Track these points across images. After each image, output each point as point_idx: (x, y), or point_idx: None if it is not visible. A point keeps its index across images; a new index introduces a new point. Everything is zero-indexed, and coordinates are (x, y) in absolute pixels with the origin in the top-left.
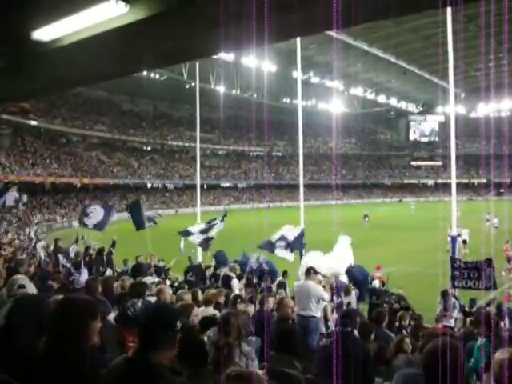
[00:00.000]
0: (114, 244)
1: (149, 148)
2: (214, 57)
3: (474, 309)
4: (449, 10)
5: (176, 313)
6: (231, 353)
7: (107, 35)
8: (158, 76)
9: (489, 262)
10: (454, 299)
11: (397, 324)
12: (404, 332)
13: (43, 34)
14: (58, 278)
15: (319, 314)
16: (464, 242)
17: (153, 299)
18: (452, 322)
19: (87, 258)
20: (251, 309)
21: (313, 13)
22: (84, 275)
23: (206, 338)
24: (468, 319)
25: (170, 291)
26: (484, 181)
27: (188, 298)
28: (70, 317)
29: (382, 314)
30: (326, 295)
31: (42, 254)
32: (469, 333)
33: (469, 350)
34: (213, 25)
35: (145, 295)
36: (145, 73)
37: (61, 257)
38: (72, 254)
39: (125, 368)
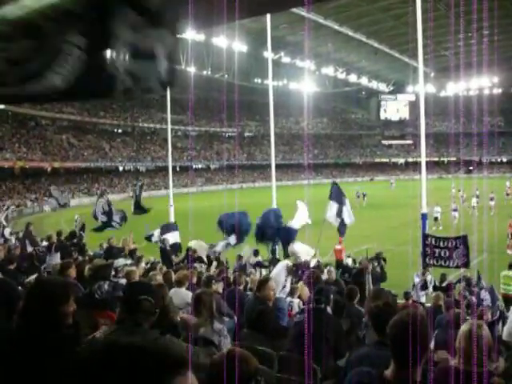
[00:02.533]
0: (83, 227)
1: (120, 130)
2: (184, 37)
3: (445, 284)
4: None
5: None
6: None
7: None
8: None
9: (464, 238)
10: (430, 275)
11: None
12: None
13: None
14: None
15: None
16: (436, 219)
17: (123, 281)
18: (423, 299)
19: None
20: (220, 287)
21: None
22: (56, 259)
23: (179, 319)
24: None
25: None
26: (454, 159)
27: (160, 278)
28: (44, 299)
29: (354, 291)
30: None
31: (12, 239)
32: (438, 307)
33: (438, 323)
34: (180, 1)
35: (110, 277)
36: None
37: (28, 243)
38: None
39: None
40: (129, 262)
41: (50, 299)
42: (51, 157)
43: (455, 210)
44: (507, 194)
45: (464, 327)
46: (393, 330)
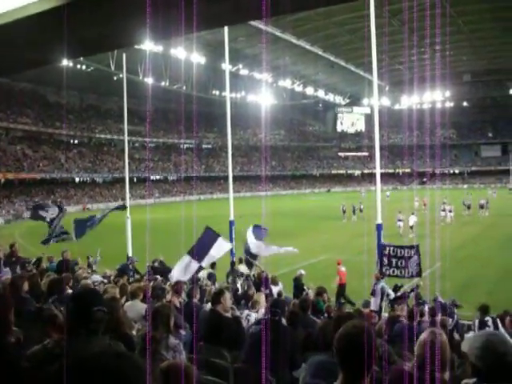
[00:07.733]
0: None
1: (76, 141)
2: (142, 48)
3: (399, 294)
4: (372, 2)
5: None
6: (157, 346)
7: (24, 22)
8: (84, 67)
9: (416, 247)
10: (381, 283)
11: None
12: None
13: None
14: None
15: None
16: (411, 227)
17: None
18: (382, 307)
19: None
20: (176, 300)
21: (242, 1)
22: (6, 274)
23: (134, 332)
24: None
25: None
26: (408, 170)
27: (113, 291)
28: None
29: (307, 302)
30: None
31: None
32: (394, 317)
33: (396, 332)
34: (138, 12)
35: (64, 291)
36: (71, 63)
37: None
38: None
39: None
40: (105, 279)
41: None
42: (5, 168)
43: (450, 211)
44: (481, 207)
45: (424, 334)
46: (339, 342)
